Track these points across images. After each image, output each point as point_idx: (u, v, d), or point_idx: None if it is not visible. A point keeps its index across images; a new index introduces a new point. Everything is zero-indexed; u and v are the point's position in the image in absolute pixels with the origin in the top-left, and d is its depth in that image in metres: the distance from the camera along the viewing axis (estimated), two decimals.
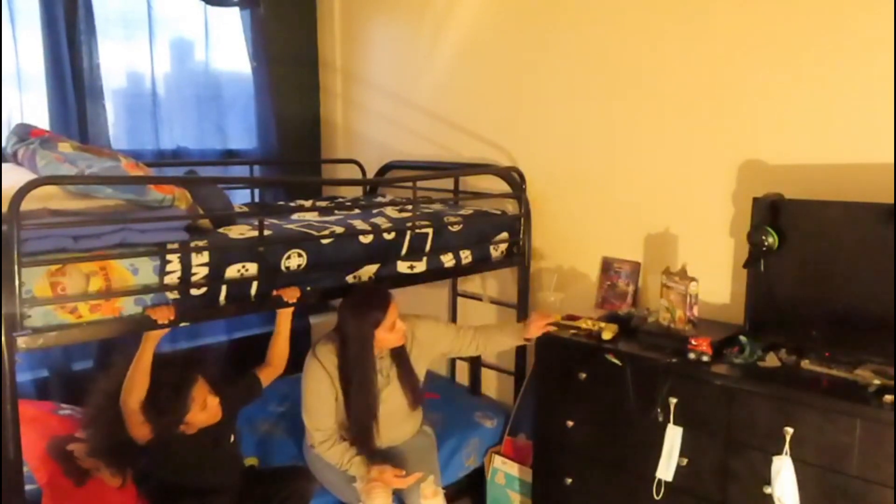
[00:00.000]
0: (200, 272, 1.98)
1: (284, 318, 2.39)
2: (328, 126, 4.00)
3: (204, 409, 2.13)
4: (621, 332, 2.36)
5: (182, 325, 1.99)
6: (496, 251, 2.86)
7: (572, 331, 2.43)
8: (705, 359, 2.09)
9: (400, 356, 2.46)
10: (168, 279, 1.92)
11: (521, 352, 2.98)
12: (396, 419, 2.47)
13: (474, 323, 3.38)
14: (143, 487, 2.18)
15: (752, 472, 1.97)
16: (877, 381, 1.83)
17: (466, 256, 2.71)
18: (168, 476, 2.20)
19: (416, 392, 2.50)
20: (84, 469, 2.08)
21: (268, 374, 2.44)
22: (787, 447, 1.86)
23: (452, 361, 3.51)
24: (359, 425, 2.35)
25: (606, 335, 2.32)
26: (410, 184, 2.59)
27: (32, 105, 2.89)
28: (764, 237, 2.09)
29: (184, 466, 2.18)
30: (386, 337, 2.34)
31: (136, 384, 2.00)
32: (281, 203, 3.38)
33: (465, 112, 3.29)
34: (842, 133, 2.17)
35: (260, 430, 2.79)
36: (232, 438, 2.32)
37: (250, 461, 2.57)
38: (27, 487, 1.95)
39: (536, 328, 2.48)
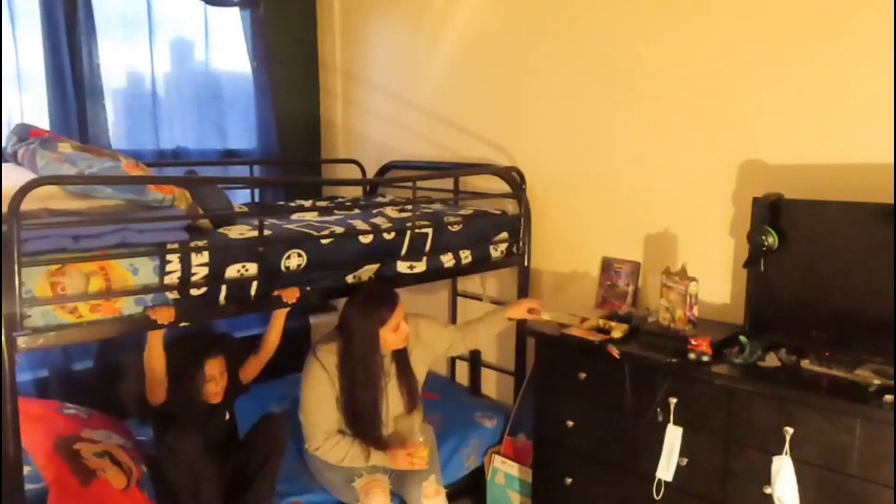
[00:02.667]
0: (200, 272, 1.98)
1: (279, 315, 2.44)
2: (328, 126, 4.00)
3: (214, 384, 2.30)
4: (629, 331, 2.35)
5: (182, 325, 1.99)
6: (496, 251, 2.86)
7: (582, 324, 2.43)
8: (705, 359, 2.08)
9: (400, 357, 2.46)
10: (168, 279, 1.92)
11: (521, 352, 2.98)
12: (394, 416, 2.47)
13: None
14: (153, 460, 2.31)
15: (752, 472, 1.97)
16: (877, 381, 1.83)
17: (466, 256, 2.71)
18: (170, 439, 2.27)
19: (414, 395, 2.50)
20: (90, 469, 2.08)
21: (253, 367, 2.50)
22: (787, 447, 1.86)
23: (452, 361, 3.52)
24: (363, 421, 2.35)
25: (617, 333, 2.32)
26: (410, 184, 2.59)
27: (32, 105, 2.89)
28: (764, 237, 2.09)
29: (183, 429, 2.25)
30: (389, 338, 2.34)
31: (155, 363, 2.15)
32: (281, 203, 3.38)
33: (465, 112, 3.29)
34: (842, 133, 2.17)
35: None
36: (227, 416, 2.42)
37: None
38: (33, 486, 1.97)
39: (519, 311, 2.58)
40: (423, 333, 2.55)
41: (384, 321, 2.31)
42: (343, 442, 2.35)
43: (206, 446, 2.23)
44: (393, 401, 2.45)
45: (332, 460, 2.36)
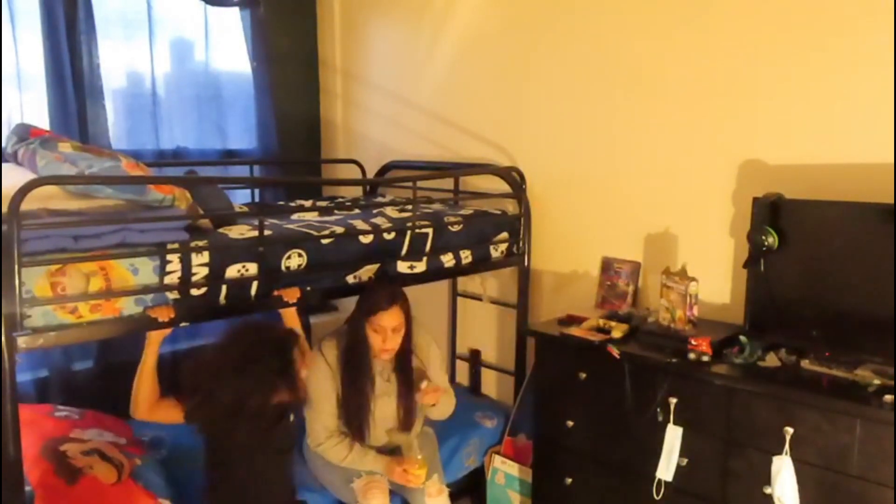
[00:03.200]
0: (200, 272, 1.98)
1: (291, 317, 2.35)
2: (328, 126, 4.00)
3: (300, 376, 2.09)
4: (629, 331, 2.35)
5: (182, 325, 1.99)
6: (496, 251, 2.86)
7: (583, 326, 2.43)
8: (705, 359, 2.09)
9: (403, 369, 2.42)
10: (168, 279, 1.92)
11: (521, 352, 2.98)
12: (386, 428, 2.44)
13: (474, 325, 3.40)
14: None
15: (752, 472, 1.97)
16: (877, 381, 1.83)
17: (466, 256, 2.71)
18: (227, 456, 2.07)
19: (410, 414, 2.44)
20: (76, 468, 2.06)
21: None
22: (787, 447, 1.87)
23: (452, 361, 3.51)
24: (351, 421, 2.35)
25: (617, 333, 2.32)
26: (410, 184, 2.59)
27: (32, 105, 2.89)
28: (764, 237, 2.09)
29: (249, 441, 2.05)
30: (372, 337, 2.30)
31: (145, 390, 2.02)
32: (281, 203, 3.38)
33: (465, 112, 3.29)
34: (842, 133, 2.17)
35: None
36: (291, 417, 2.20)
37: None
38: (30, 488, 1.96)
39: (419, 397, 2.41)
40: (433, 362, 2.51)
41: (371, 313, 2.27)
42: (345, 442, 2.35)
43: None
44: (386, 411, 2.42)
45: (333, 460, 2.36)
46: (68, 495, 1.99)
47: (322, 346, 2.40)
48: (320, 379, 2.35)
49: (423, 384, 2.39)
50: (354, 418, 2.36)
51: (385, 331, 2.29)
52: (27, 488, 1.99)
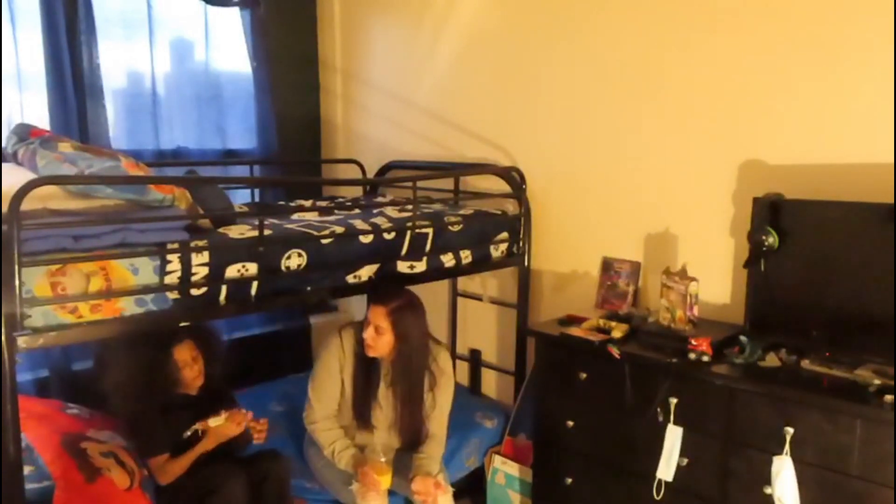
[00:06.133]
0: (200, 272, 1.98)
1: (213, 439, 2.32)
2: (328, 126, 4.00)
3: (188, 370, 2.35)
4: (629, 331, 2.35)
5: (182, 324, 1.99)
6: (496, 251, 2.85)
7: (583, 326, 2.43)
8: (705, 359, 2.09)
9: (402, 379, 2.39)
10: (168, 279, 1.92)
11: (521, 352, 2.98)
12: (382, 434, 2.45)
13: (474, 325, 3.40)
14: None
15: (752, 472, 1.97)
16: (877, 381, 1.83)
17: (466, 256, 2.71)
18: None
19: (410, 431, 2.41)
20: (96, 467, 2.10)
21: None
22: (787, 447, 1.87)
23: (452, 361, 3.50)
24: (357, 409, 2.39)
25: (617, 333, 2.32)
26: (410, 184, 2.59)
27: (32, 105, 2.89)
28: (764, 237, 2.09)
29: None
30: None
31: (177, 473, 2.25)
32: (281, 203, 3.38)
33: (465, 112, 3.29)
34: (842, 133, 2.17)
35: None
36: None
37: None
38: (36, 486, 2.01)
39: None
40: (440, 398, 2.47)
41: (367, 302, 2.36)
42: (335, 431, 2.37)
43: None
44: (386, 416, 2.44)
45: (319, 442, 2.39)
46: (86, 492, 2.03)
47: (342, 330, 2.45)
48: (330, 359, 2.40)
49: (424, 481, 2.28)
50: (358, 406, 2.38)
51: (369, 324, 2.33)
52: (44, 483, 2.04)
